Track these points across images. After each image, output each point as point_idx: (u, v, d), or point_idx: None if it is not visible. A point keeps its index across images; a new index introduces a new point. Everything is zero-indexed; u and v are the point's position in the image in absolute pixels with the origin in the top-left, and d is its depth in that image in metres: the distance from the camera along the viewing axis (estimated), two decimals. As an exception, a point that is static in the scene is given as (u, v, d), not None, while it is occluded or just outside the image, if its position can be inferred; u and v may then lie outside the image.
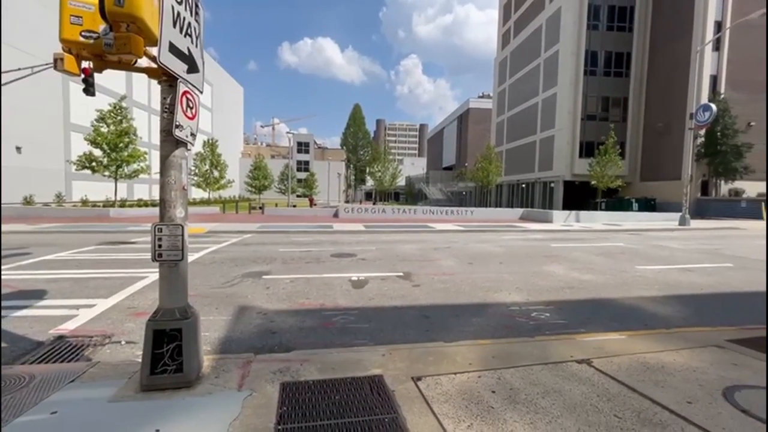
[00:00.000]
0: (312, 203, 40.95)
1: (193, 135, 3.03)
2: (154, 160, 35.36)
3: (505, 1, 52.35)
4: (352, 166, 65.89)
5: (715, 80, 29.41)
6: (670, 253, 10.69)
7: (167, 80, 2.82)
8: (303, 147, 73.63)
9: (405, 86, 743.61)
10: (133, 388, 2.76)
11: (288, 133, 50.40)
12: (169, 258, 2.80)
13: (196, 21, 3.02)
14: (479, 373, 3.13)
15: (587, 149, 34.68)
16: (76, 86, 27.47)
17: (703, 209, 28.54)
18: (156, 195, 38.60)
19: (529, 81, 43.47)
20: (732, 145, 27.37)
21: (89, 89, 2.76)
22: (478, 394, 2.79)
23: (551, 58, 38.56)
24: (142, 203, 27.46)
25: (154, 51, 2.63)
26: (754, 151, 27.53)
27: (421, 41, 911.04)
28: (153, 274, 6.79)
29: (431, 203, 64.89)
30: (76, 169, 22.37)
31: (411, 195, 79.25)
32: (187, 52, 2.87)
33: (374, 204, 45.08)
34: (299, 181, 59.10)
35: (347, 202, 64.74)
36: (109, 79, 30.51)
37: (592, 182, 30.63)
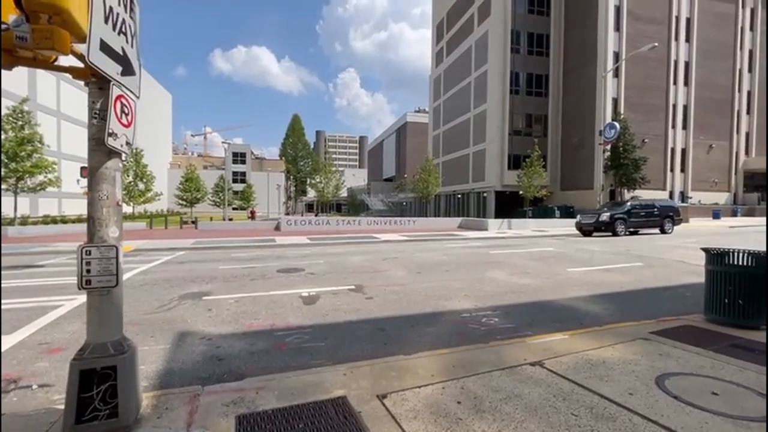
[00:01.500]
0: (253, 216, 39.03)
1: (128, 144, 2.70)
2: (65, 171, 31.24)
3: (438, 22, 55.49)
4: (292, 177, 64.22)
5: (616, 102, 33.84)
6: (591, 255, 11.89)
7: (97, 82, 2.49)
8: (239, 157, 70.15)
9: (344, 99, 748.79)
10: (53, 443, 2.32)
11: (223, 142, 47.75)
12: (101, 285, 2.44)
13: (132, 18, 2.72)
14: (443, 384, 3.14)
15: (515, 161, 37.64)
16: (-41, 84, 23.44)
17: (612, 215, 32.32)
18: (67, 210, 34.01)
19: (461, 97, 46.26)
20: (632, 158, 31.56)
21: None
22: (445, 407, 2.79)
23: (481, 77, 41.50)
24: (49, 220, 23.94)
25: (81, 48, 2.31)
26: (648, 164, 31.99)
27: (358, 55, 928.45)
28: (70, 302, 5.90)
29: (373, 214, 65.46)
30: (-42, 182, 18.88)
31: (353, 206, 79.29)
32: (121, 52, 2.57)
33: (317, 215, 44.27)
34: (236, 192, 56.04)
35: (288, 214, 62.80)
36: (8, 79, 26.52)
37: (521, 192, 33.23)
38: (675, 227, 20.06)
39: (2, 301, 6.02)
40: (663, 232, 19.28)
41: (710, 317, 4.75)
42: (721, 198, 37.52)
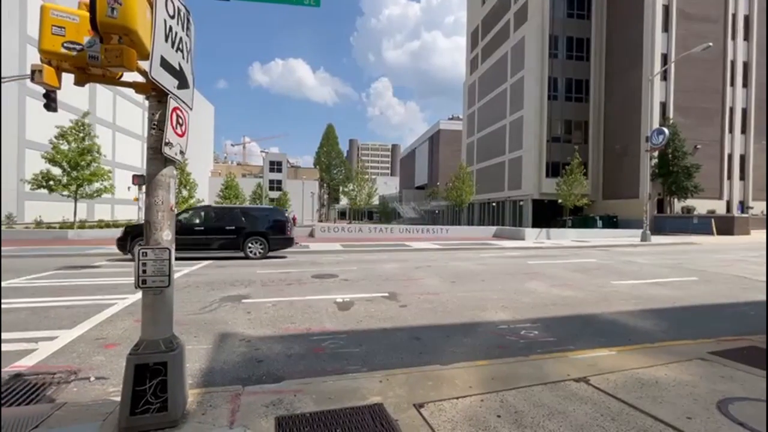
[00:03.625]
0: (294, 222, 40.28)
1: (182, 153, 2.88)
2: (118, 179, 33.72)
3: (472, 29, 55.14)
4: (325, 185, 65.62)
5: (664, 107, 31.91)
6: (639, 267, 11.18)
7: (156, 96, 2.68)
8: (276, 166, 72.68)
9: (376, 108, 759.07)
10: (110, 432, 2.48)
11: (262, 152, 49.74)
12: (155, 284, 2.59)
13: (188, 36, 2.92)
14: (481, 397, 3.05)
15: (553, 169, 36.33)
16: (33, 101, 26.01)
17: (660, 225, 30.33)
18: (118, 215, 36.64)
19: (497, 104, 45.46)
20: (682, 166, 29.52)
21: (51, 104, 2.67)
22: (484, 419, 2.71)
23: (517, 83, 40.64)
24: (103, 224, 25.88)
25: (144, 65, 2.50)
26: (701, 171, 29.79)
27: (391, 65, 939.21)
28: (122, 301, 6.32)
29: (405, 222, 65.39)
30: (31, 188, 20.89)
31: (385, 214, 79.60)
32: (178, 68, 2.76)
33: (350, 223, 44.86)
34: (272, 200, 57.99)
35: (321, 221, 64.09)
36: (71, 94, 29.16)
37: (560, 200, 31.96)
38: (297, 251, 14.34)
39: (63, 300, 6.56)
40: (246, 256, 12.23)
41: (780, 339, 4.31)
42: (788, 208, 34.17)
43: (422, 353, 4.30)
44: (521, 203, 39.82)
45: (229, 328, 5.07)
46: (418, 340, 4.74)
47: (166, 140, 2.63)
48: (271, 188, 66.25)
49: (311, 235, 23.33)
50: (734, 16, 32.79)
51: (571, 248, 17.29)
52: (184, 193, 35.57)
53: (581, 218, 33.97)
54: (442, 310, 6.16)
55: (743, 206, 33.08)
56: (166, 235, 2.70)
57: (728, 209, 32.54)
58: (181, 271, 9.67)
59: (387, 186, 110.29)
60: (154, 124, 2.68)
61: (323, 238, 22.10)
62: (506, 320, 5.61)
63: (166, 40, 2.57)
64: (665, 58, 31.18)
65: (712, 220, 27.14)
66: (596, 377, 3.42)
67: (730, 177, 33.17)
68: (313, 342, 4.60)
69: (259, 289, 7.53)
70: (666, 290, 7.90)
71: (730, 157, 33.10)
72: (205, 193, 56.22)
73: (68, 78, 2.52)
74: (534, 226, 35.00)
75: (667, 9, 31.72)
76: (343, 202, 62.80)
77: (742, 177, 33.47)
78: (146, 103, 3.02)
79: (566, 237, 23.40)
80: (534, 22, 37.77)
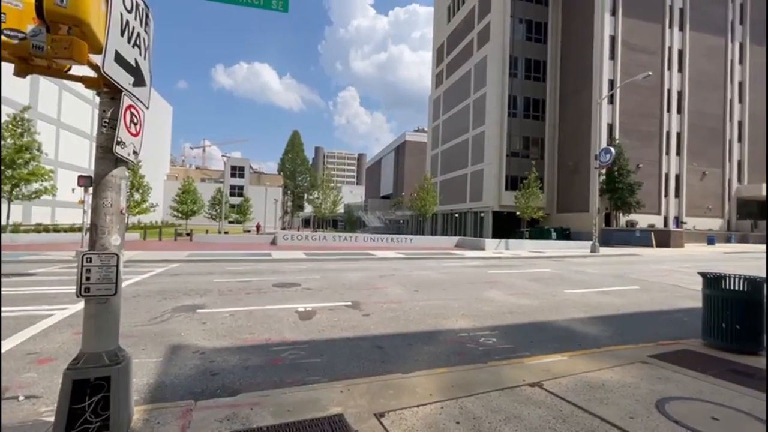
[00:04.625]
0: (258, 229, 39.13)
1: (135, 153, 2.73)
2: (61, 179, 31.15)
3: (438, 46, 57.02)
4: (290, 192, 64.37)
5: (611, 128, 34.50)
6: (589, 277, 11.89)
7: (109, 92, 2.53)
8: (238, 171, 70.38)
9: (343, 116, 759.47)
10: (40, 456, 2.25)
11: (223, 156, 48.02)
12: (99, 293, 2.41)
13: (146, 32, 2.80)
14: (441, 404, 3.09)
15: (512, 183, 37.98)
16: (-37, 91, 23.60)
17: (607, 238, 32.48)
18: (60, 219, 33.74)
19: (460, 118, 47.06)
20: (626, 183, 31.98)
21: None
22: (444, 426, 2.74)
23: (479, 100, 42.36)
24: (41, 228, 23.72)
25: (96, 59, 2.36)
26: (643, 188, 32.41)
27: (359, 75, 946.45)
28: (61, 312, 5.80)
29: (370, 231, 65.38)
30: (-47, 188, 18.76)
31: (350, 222, 79.24)
32: (134, 64, 2.63)
33: (314, 231, 44.19)
34: (233, 206, 55.93)
35: (284, 228, 62.60)
36: (10, 86, 26.74)
37: (518, 213, 33.42)
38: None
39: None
40: None
41: (708, 342, 4.73)
42: (715, 224, 37.88)
43: (384, 362, 4.29)
44: (482, 215, 41.19)
45: (181, 340, 4.79)
46: (380, 348, 4.73)
47: (119, 139, 2.49)
48: (233, 194, 63.97)
49: (273, 243, 22.71)
50: (670, 49, 36.33)
51: (528, 258, 18.07)
52: (137, 196, 33.50)
53: (538, 230, 35.66)
54: (405, 318, 6.20)
55: (678, 221, 36.24)
56: (115, 239, 2.53)
57: (665, 224, 35.52)
58: (131, 279, 9.05)
59: (353, 195, 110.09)
60: (105, 122, 2.53)
61: (286, 246, 21.58)
62: (466, 328, 5.74)
63: (122, 35, 2.44)
64: (612, 84, 33.84)
65: (652, 234, 29.50)
66: (549, 382, 3.57)
67: (666, 194, 36.29)
68: (272, 353, 4.45)
69: (216, 299, 7.20)
70: (612, 298, 8.45)
71: (667, 176, 36.28)
72: (160, 197, 53.21)
73: (8, 68, 2.33)
74: (494, 236, 36.26)
75: (613, 39, 34.56)
76: (308, 209, 61.82)
77: (677, 195, 36.73)
78: (97, 99, 2.82)
79: (524, 248, 24.44)
80: (496, 43, 39.71)
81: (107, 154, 2.50)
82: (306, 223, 77.73)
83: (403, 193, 66.54)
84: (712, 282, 4.66)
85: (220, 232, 32.68)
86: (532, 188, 32.26)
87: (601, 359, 4.25)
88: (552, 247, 25.73)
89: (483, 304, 7.43)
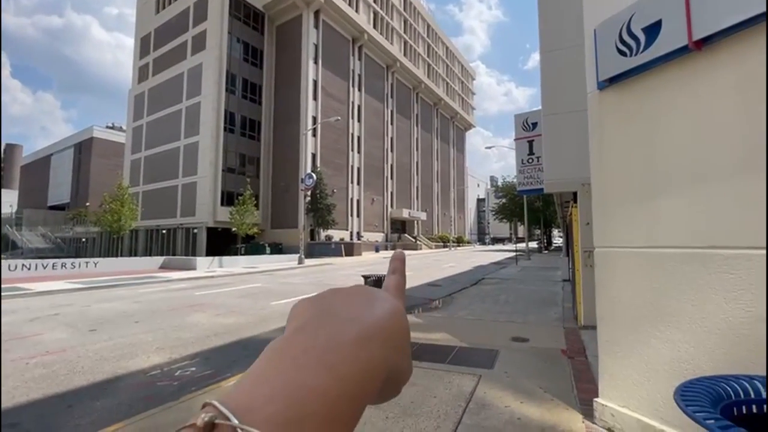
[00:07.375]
0: None
1: None
2: None
3: (143, 35, 48.54)
4: None
5: (314, 157, 40.71)
6: (294, 287, 13.35)
7: None
8: None
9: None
10: None
11: None
12: None
13: None
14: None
15: (228, 199, 37.27)
16: None
17: (312, 250, 37.71)
18: None
19: (171, 123, 41.77)
20: (325, 204, 38.55)
21: None
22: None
23: (194, 108, 39.30)
24: None
25: None
26: (337, 209, 40.08)
27: (11, 34, 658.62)
28: None
29: (28, 255, 45.63)
30: None
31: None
32: None
33: None
34: None
35: None
36: None
37: (233, 229, 33.04)
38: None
39: None
40: None
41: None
42: (380, 237, 51.93)
43: (21, 443, 3.12)
44: (195, 231, 37.87)
45: None
46: (15, 426, 3.40)
47: None
48: None
49: None
50: (353, 103, 47.39)
51: (242, 275, 18.17)
52: None
53: (253, 245, 36.53)
54: (67, 371, 4.75)
55: (359, 235, 47.14)
56: None
57: (351, 237, 45.30)
58: None
59: (-15, 202, 73.19)
60: None
61: None
62: (159, 363, 5.08)
63: None
64: (315, 120, 40.16)
65: (342, 246, 36.85)
66: (243, 396, 3.74)
67: (352, 214, 46.47)
68: None
69: None
70: (309, 304, 9.85)
71: (352, 200, 46.57)
72: None
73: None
74: (209, 254, 34.06)
75: (315, 84, 41.27)
76: None
77: (358, 215, 47.77)
78: None
79: (238, 264, 24.36)
80: (212, 54, 38.31)
81: None
82: None
83: (87, 204, 50.95)
84: (366, 282, 6.40)
85: None
86: (248, 205, 32.88)
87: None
88: (266, 261, 27.05)
89: (184, 331, 6.81)
